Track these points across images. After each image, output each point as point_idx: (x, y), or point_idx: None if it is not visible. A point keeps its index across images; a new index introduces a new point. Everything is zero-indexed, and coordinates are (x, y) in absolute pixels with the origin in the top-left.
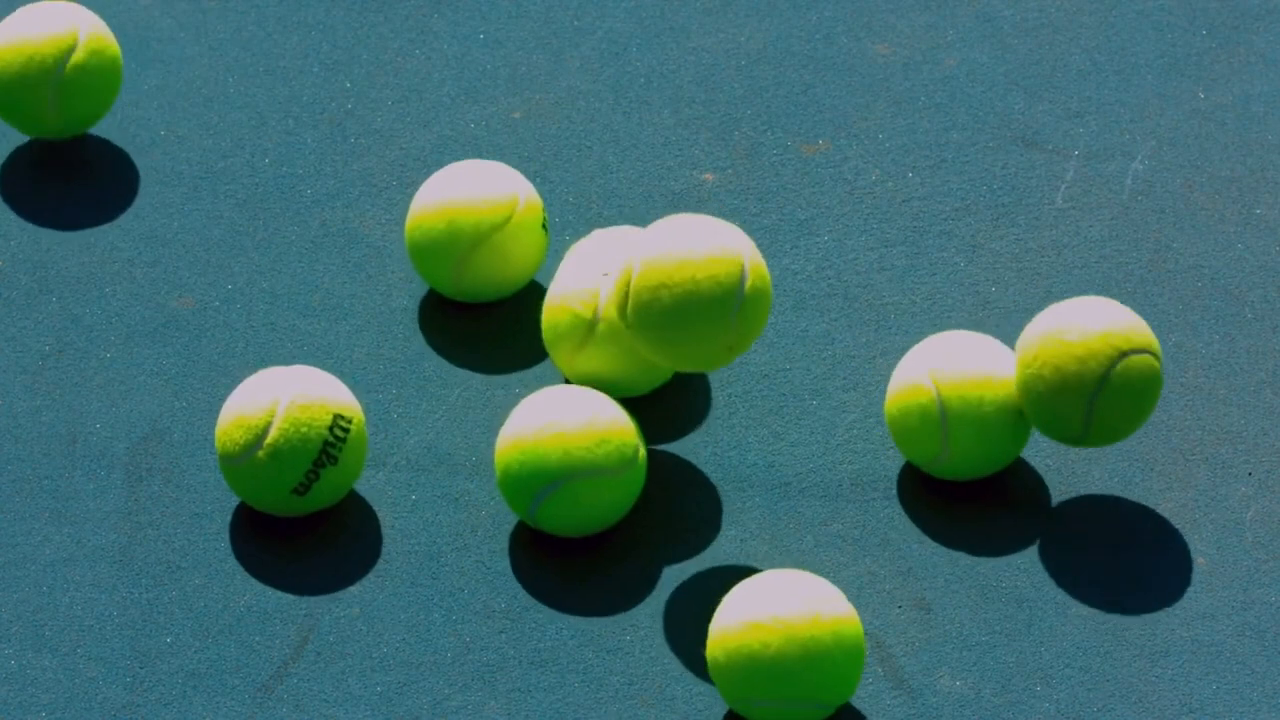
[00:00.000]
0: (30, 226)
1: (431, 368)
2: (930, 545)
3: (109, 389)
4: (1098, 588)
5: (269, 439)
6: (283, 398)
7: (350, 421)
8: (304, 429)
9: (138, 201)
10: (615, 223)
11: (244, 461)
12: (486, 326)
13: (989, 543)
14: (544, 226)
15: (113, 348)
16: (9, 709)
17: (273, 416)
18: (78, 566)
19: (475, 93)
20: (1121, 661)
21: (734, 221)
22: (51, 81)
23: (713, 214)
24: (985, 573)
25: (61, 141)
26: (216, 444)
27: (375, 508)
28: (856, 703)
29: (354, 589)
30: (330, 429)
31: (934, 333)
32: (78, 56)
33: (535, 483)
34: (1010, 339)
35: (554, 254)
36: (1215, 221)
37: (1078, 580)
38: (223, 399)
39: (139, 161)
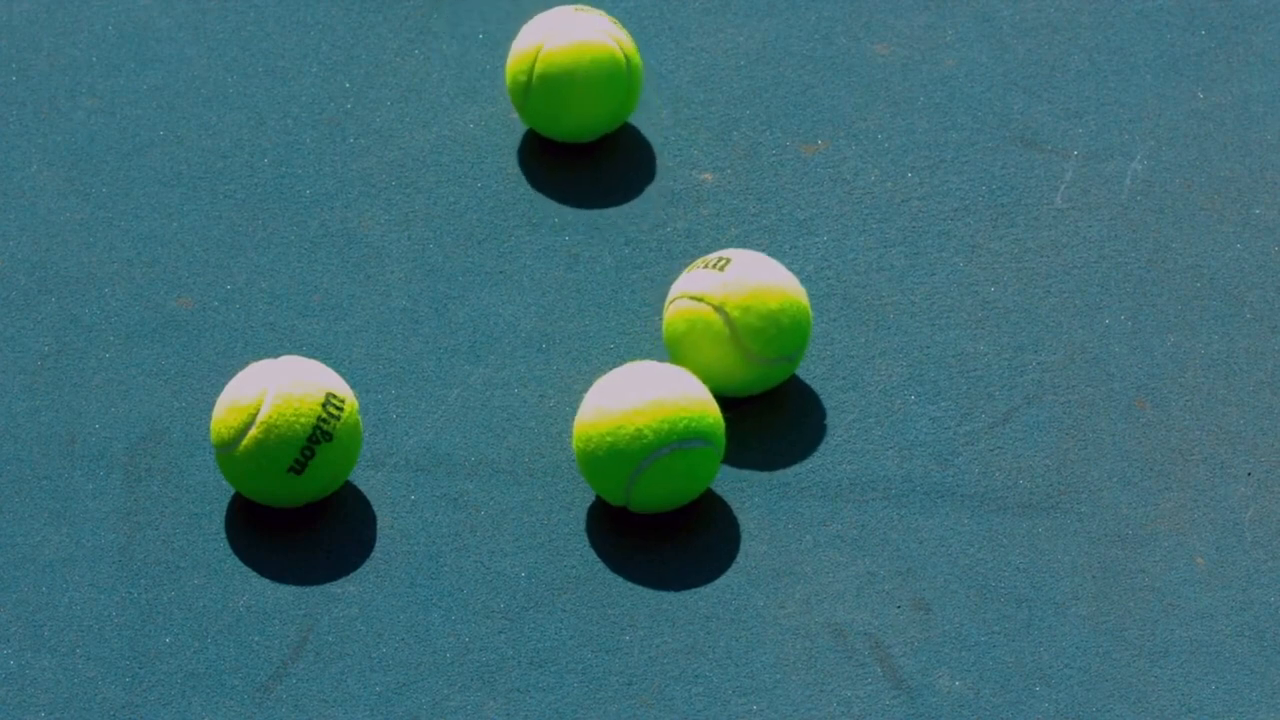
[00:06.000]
0: (30, 226)
1: (431, 368)
2: (930, 545)
3: (108, 389)
4: (1097, 588)
5: (263, 416)
6: (274, 381)
7: (344, 401)
8: (297, 404)
9: (137, 201)
10: (616, 223)
11: (239, 444)
12: (487, 327)
13: (989, 543)
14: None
15: (111, 348)
16: (9, 709)
17: (265, 396)
18: (77, 566)
19: (475, 93)
20: (1121, 661)
21: (734, 221)
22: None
23: (712, 214)
24: (985, 573)
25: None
26: (212, 436)
27: (374, 508)
28: (856, 703)
29: (353, 589)
30: (324, 405)
31: (934, 333)
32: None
33: (636, 455)
34: (1010, 338)
35: None
36: (1214, 221)
37: (1078, 580)
38: None
39: (139, 161)
